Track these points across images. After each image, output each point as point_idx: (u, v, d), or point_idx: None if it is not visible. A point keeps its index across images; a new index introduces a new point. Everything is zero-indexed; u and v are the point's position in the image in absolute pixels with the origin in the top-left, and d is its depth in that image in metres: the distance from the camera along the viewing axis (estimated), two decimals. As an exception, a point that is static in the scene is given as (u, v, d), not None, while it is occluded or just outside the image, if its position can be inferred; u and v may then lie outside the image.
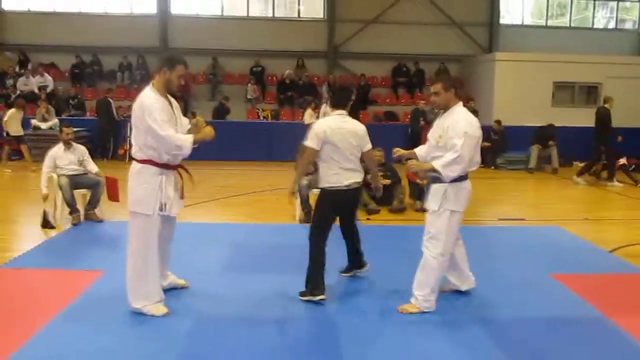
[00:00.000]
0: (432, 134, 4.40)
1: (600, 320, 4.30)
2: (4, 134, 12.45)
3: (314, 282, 4.51)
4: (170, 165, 4.19)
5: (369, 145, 4.72)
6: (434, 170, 4.19)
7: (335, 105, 4.73)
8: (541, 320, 4.27)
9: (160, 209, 4.12)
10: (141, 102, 4.03)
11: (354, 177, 4.61)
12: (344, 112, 4.66)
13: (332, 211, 4.73)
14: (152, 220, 4.12)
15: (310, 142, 4.52)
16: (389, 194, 8.15)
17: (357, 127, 4.65)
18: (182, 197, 4.38)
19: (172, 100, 4.26)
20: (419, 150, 4.63)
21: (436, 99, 4.36)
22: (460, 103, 4.36)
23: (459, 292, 4.77)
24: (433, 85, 4.43)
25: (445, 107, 4.35)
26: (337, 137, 4.49)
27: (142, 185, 4.08)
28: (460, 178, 4.24)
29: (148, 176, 4.09)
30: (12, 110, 12.37)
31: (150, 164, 4.08)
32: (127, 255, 4.21)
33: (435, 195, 4.30)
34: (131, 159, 4.23)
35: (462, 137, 4.11)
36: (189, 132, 4.26)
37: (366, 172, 4.91)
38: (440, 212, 4.26)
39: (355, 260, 5.16)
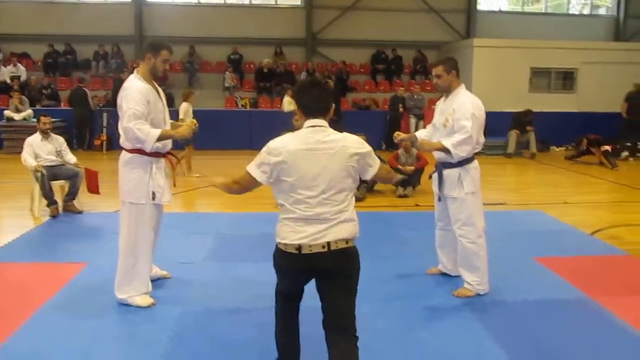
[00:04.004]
0: (438, 119, 4.44)
1: (586, 301, 4.36)
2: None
3: None
4: (160, 153, 4.13)
5: (376, 166, 2.90)
6: (444, 148, 4.23)
7: (309, 112, 2.82)
8: (530, 303, 4.31)
9: (152, 198, 4.06)
10: (124, 88, 3.97)
11: (323, 234, 2.72)
12: (322, 121, 2.81)
13: (282, 282, 2.98)
14: (143, 210, 4.06)
15: (252, 165, 2.82)
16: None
17: (347, 144, 2.77)
18: (174, 184, 4.32)
19: (158, 87, 4.20)
20: (420, 134, 4.69)
21: (438, 81, 4.38)
22: (463, 85, 4.38)
23: (447, 277, 4.79)
24: (434, 68, 4.41)
25: (448, 90, 4.37)
26: (298, 163, 2.71)
27: (132, 175, 4.02)
28: (469, 160, 4.32)
29: (138, 165, 4.02)
30: (185, 104, 9.71)
31: (139, 152, 4.01)
32: (118, 246, 4.15)
33: (450, 181, 4.34)
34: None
35: (470, 118, 4.17)
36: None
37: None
38: (462, 197, 4.31)
39: None
